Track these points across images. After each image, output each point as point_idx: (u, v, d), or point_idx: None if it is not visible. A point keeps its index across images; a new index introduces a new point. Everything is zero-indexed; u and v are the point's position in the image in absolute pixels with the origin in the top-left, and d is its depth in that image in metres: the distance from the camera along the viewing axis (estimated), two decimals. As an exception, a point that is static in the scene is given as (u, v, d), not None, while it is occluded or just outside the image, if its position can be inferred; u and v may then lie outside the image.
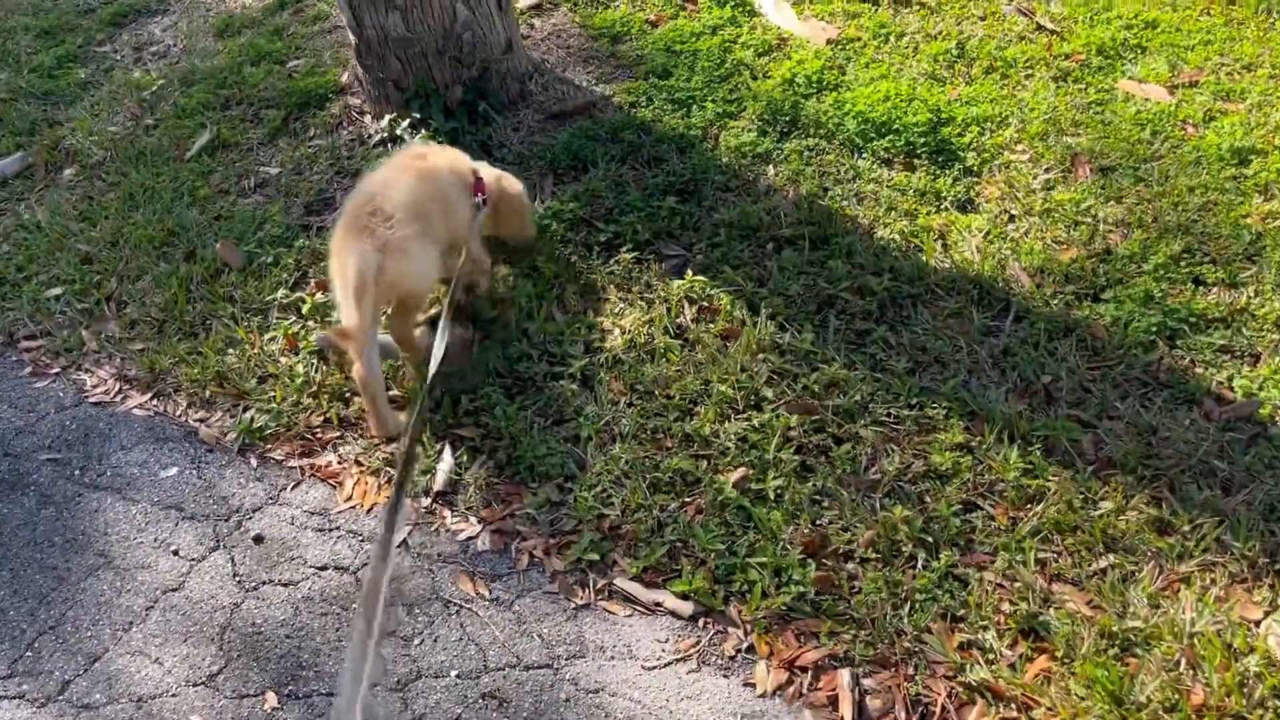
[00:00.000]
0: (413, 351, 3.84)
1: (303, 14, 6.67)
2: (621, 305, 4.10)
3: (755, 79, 5.34)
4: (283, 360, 4.01)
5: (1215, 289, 3.93)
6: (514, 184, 4.18)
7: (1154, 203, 4.32)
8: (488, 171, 4.12)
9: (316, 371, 3.93)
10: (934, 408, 3.54)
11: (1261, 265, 3.98)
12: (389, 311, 3.71)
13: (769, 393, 3.64)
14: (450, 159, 4.01)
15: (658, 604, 3.12)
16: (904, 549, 3.11)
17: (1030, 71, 5.24)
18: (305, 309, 4.20)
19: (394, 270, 3.43)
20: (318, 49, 6.15)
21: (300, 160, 5.23)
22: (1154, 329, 3.76)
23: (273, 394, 3.86)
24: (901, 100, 4.91)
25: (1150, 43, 5.33)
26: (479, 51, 5.13)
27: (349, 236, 3.45)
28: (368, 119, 5.42)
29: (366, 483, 3.53)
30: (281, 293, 4.31)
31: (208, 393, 3.96)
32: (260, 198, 5.04)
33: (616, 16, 5.97)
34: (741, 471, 3.34)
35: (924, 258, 4.19)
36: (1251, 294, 3.87)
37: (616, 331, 3.96)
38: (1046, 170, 4.57)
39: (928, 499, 3.26)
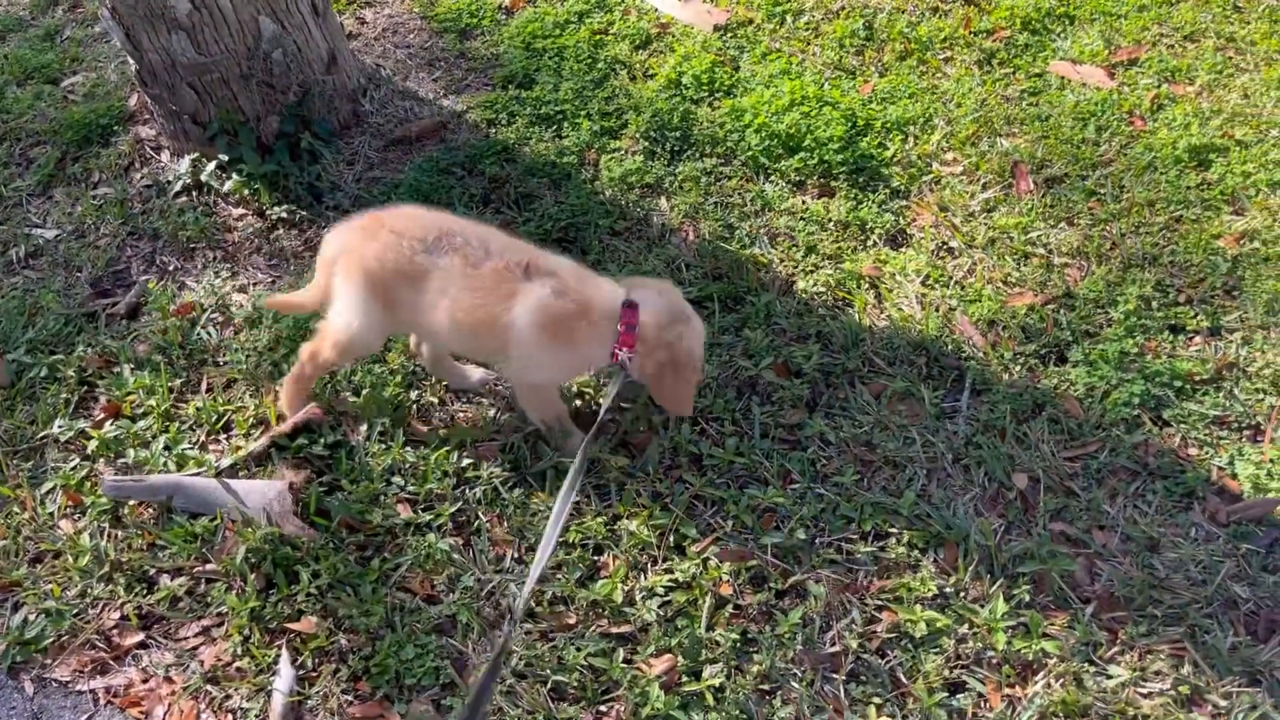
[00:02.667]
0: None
1: (80, 10, 5.49)
2: (496, 412, 3.30)
3: (634, 80, 4.49)
4: (63, 527, 3.09)
5: (1197, 339, 3.34)
6: (695, 343, 2.86)
7: (1112, 224, 3.69)
8: (652, 302, 2.79)
9: (108, 540, 3.02)
10: (894, 534, 2.88)
11: (1244, 301, 3.40)
12: None
13: (691, 529, 2.92)
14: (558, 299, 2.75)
15: None
16: (884, 763, 2.45)
17: (949, 54, 4.52)
18: (91, 447, 3.27)
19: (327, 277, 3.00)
20: (99, 59, 5.03)
21: (83, 218, 4.20)
22: (1136, 400, 3.16)
23: (50, 584, 2.94)
24: (810, 106, 4.13)
25: (1079, 10, 4.66)
26: (295, 71, 4.14)
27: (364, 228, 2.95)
28: (165, 157, 4.39)
29: (181, 710, 2.68)
30: (59, 424, 3.35)
31: (-35, 585, 3.02)
32: (32, 274, 4.00)
33: (463, 3, 5.00)
34: (668, 661, 2.62)
35: (856, 315, 3.49)
36: (1239, 342, 3.29)
37: (494, 453, 3.17)
38: (984, 187, 3.89)
39: (901, 676, 2.60)
